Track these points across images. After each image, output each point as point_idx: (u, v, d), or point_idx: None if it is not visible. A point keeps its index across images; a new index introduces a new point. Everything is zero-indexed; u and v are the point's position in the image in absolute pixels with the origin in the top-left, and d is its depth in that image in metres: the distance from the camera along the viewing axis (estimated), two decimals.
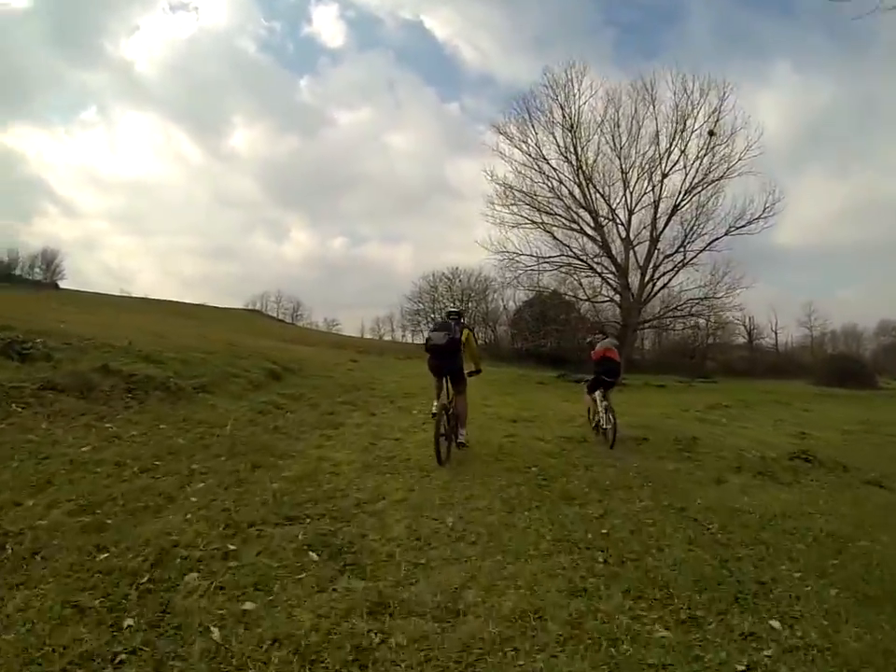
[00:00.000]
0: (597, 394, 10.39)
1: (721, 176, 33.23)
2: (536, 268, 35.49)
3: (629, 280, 35.25)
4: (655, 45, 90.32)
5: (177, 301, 62.71)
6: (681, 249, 34.45)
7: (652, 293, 36.19)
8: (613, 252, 35.22)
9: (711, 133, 32.74)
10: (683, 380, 40.57)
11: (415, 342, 70.37)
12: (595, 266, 35.51)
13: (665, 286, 36.16)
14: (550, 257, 35.59)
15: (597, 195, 35.12)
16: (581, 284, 37.16)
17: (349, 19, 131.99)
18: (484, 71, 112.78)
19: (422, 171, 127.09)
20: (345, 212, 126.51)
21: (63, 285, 66.90)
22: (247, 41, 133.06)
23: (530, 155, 34.99)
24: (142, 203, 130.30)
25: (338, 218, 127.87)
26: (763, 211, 33.02)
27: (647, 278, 35.17)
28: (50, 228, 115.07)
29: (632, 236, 35.36)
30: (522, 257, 35.03)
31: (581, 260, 35.50)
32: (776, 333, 72.84)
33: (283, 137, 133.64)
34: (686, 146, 33.61)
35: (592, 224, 35.05)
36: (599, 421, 10.10)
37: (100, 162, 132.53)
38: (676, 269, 35.15)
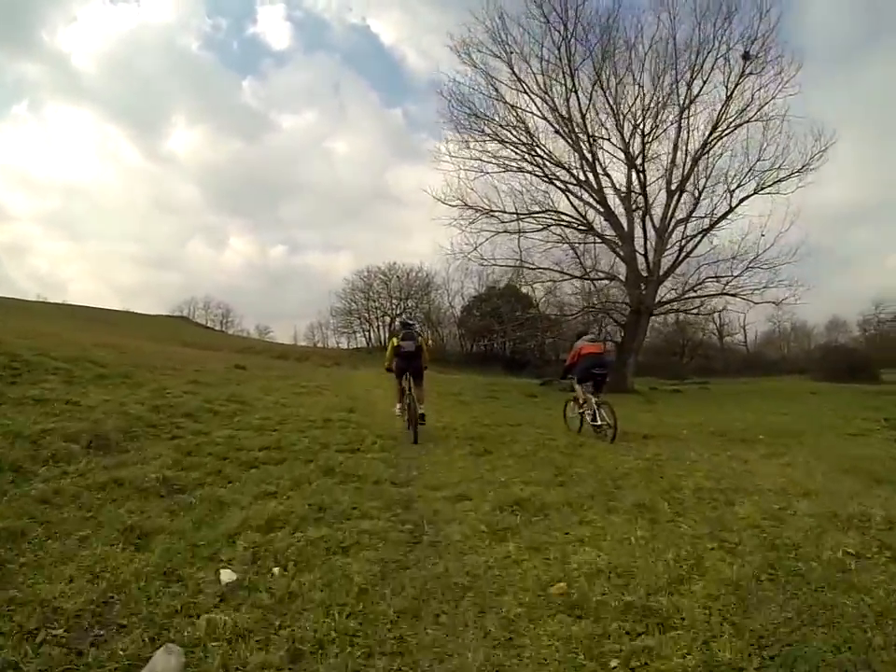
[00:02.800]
0: (589, 389, 10.29)
1: (751, 118, 24.61)
2: (514, 224, 25.94)
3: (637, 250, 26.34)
4: None
5: (95, 308, 58.57)
6: (700, 215, 25.92)
7: (678, 262, 26.31)
8: (613, 209, 26.29)
9: (746, 57, 23.69)
10: (674, 382, 34.55)
11: (352, 346, 64.30)
12: (590, 225, 26.22)
13: (687, 255, 26.24)
14: (535, 212, 26.15)
15: (587, 137, 25.95)
16: (578, 253, 26.92)
17: (296, 20, 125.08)
18: (432, 77, 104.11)
19: (364, 177, 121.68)
20: (286, 219, 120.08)
21: None
22: (191, 38, 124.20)
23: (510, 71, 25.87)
24: (77, 207, 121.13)
25: (278, 226, 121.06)
26: (806, 164, 23.91)
27: (666, 244, 25.99)
28: None
29: (637, 193, 26.39)
30: (495, 213, 26.01)
31: (578, 221, 26.25)
32: (744, 329, 66.74)
33: (224, 140, 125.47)
34: (710, 73, 24.72)
35: (581, 167, 26.20)
36: (593, 417, 10.04)
37: (31, 161, 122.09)
38: (703, 233, 25.85)
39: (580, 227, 25.88)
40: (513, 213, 25.60)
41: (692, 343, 57.13)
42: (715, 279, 25.55)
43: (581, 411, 10.60)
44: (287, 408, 11.31)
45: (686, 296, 26.47)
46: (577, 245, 26.19)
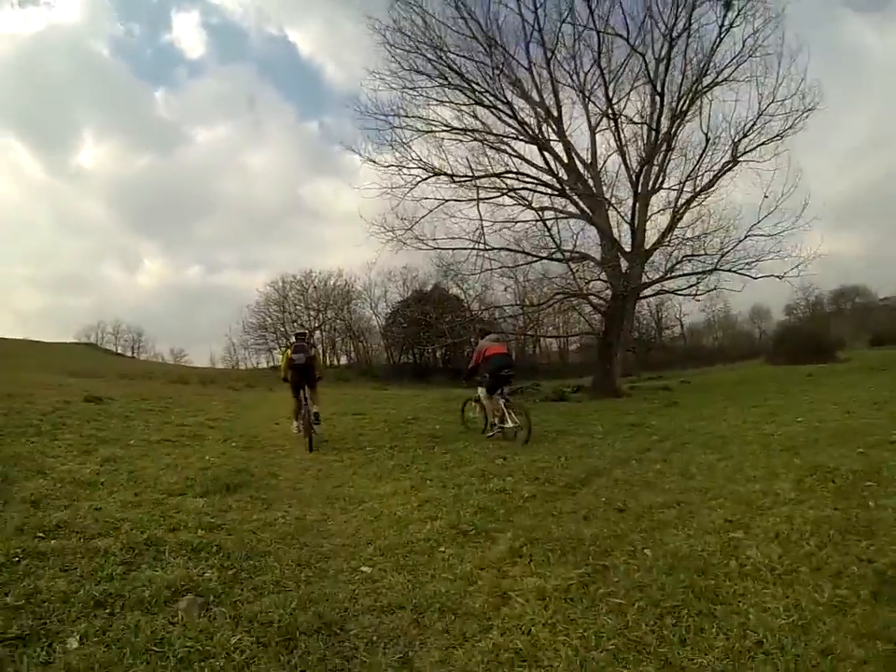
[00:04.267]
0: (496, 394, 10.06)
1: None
2: (465, 190, 21.07)
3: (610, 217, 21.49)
4: None
5: None
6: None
7: (672, 227, 21.36)
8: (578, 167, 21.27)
9: (728, 6, 19.36)
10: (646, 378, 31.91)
11: (270, 364, 58.42)
12: (562, 185, 20.98)
13: (680, 218, 21.40)
14: (497, 174, 21.10)
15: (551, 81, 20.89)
16: (547, 226, 21.37)
17: (212, 27, 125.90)
18: (350, 89, 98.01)
19: (280, 192, 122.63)
20: (201, 237, 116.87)
21: None
22: (102, 44, 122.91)
23: None
24: None
25: (194, 245, 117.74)
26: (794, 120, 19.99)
27: (647, 211, 21.37)
28: None
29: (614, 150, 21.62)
30: (443, 174, 20.89)
31: (543, 182, 21.27)
32: (681, 320, 64.75)
33: (136, 155, 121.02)
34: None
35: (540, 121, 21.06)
36: (501, 419, 9.91)
37: None
38: (700, 192, 21.28)
39: (550, 189, 21.26)
40: (465, 176, 20.75)
41: (647, 337, 53.42)
42: (703, 254, 21.01)
43: (493, 412, 10.25)
44: (94, 492, 5.99)
45: (673, 274, 21.59)
46: (546, 216, 21.32)
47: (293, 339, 12.01)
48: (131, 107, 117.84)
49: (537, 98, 20.70)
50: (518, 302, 25.93)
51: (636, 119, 21.18)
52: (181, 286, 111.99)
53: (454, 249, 21.37)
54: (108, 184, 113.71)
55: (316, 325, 59.00)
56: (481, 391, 10.42)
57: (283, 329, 58.57)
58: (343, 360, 60.80)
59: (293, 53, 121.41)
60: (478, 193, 20.52)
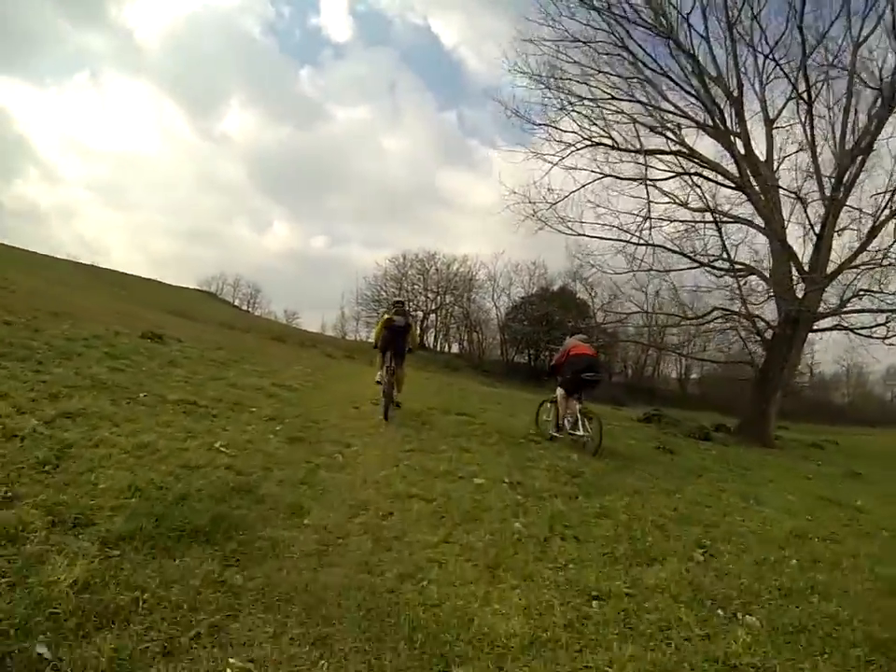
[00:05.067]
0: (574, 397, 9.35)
1: None
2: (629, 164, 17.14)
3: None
4: None
5: (119, 272, 55.56)
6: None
7: (864, 247, 15.78)
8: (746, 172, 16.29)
9: None
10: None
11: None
12: (743, 180, 16.07)
13: (875, 234, 15.67)
14: (665, 151, 16.89)
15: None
16: (719, 226, 17.01)
17: (358, 14, 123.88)
18: (490, 83, 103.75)
19: (413, 177, 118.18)
20: (331, 210, 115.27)
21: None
22: (253, 22, 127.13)
23: None
24: (125, 176, 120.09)
25: (322, 215, 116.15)
26: None
27: (834, 225, 15.97)
28: (29, 191, 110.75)
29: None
30: (603, 144, 16.94)
31: (721, 171, 16.67)
32: (811, 368, 56.58)
33: (277, 126, 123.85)
34: None
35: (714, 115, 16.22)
36: (573, 426, 9.05)
37: (87, 129, 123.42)
38: None
39: (727, 180, 16.58)
40: (631, 149, 16.63)
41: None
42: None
43: (566, 416, 9.22)
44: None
45: (852, 306, 16.08)
46: (716, 216, 16.75)
47: (391, 304, 11.63)
48: (276, 82, 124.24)
49: (712, 72, 16.12)
50: (644, 311, 20.22)
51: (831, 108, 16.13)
52: (305, 252, 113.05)
53: (603, 239, 17.31)
54: (250, 150, 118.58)
55: (433, 308, 56.42)
56: (559, 391, 9.51)
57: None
58: (455, 349, 57.78)
59: (435, 43, 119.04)
60: (646, 170, 16.41)
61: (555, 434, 9.39)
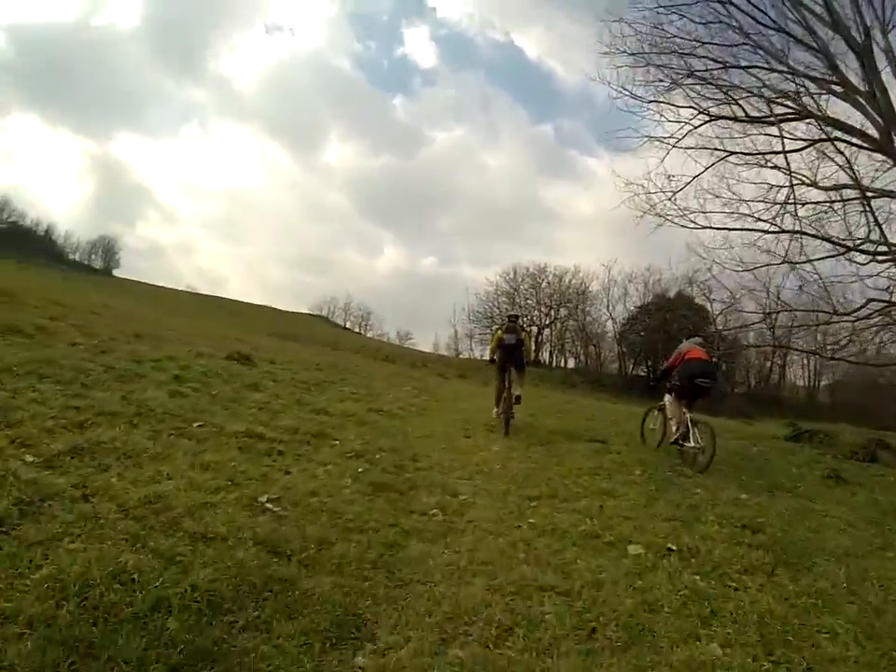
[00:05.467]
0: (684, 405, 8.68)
1: None
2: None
3: None
4: None
5: (234, 300, 63.99)
6: None
7: None
8: None
9: None
10: None
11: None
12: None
13: None
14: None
15: None
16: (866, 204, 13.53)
17: (440, 39, 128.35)
18: (582, 90, 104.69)
19: (515, 192, 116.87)
20: (438, 231, 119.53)
21: (119, 273, 69.49)
22: (342, 59, 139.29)
23: None
24: (236, 212, 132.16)
25: (430, 237, 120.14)
26: None
27: None
28: (151, 232, 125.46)
29: None
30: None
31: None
32: None
33: (377, 154, 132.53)
34: None
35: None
36: (684, 437, 8.25)
37: (199, 173, 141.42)
38: None
39: (867, 144, 13.66)
40: (762, 118, 13.94)
41: None
42: None
43: (675, 425, 8.49)
44: None
45: None
46: (864, 189, 13.71)
47: (505, 320, 11.57)
48: (372, 113, 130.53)
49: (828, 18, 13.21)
50: (788, 309, 16.87)
51: None
52: (415, 273, 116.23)
53: (732, 230, 14.80)
54: (351, 179, 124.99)
55: (547, 322, 54.11)
56: (667, 398, 8.96)
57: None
58: (571, 363, 55.37)
59: (521, 58, 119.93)
60: (782, 141, 13.77)
61: (662, 443, 8.93)
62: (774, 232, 13.87)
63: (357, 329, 72.49)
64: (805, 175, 14.10)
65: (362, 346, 38.72)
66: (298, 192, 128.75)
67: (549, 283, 53.97)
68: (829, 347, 17.45)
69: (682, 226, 14.42)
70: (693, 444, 8.02)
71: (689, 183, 14.10)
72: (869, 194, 13.73)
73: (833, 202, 14.03)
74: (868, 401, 39.46)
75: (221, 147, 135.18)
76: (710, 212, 14.44)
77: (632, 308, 49.90)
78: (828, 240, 14.11)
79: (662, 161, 14.36)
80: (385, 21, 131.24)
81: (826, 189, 14.02)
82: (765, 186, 13.81)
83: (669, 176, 14.30)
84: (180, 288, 65.37)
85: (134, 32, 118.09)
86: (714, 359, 9.68)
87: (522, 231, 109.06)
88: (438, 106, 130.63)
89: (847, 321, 15.52)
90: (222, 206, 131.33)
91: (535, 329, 53.40)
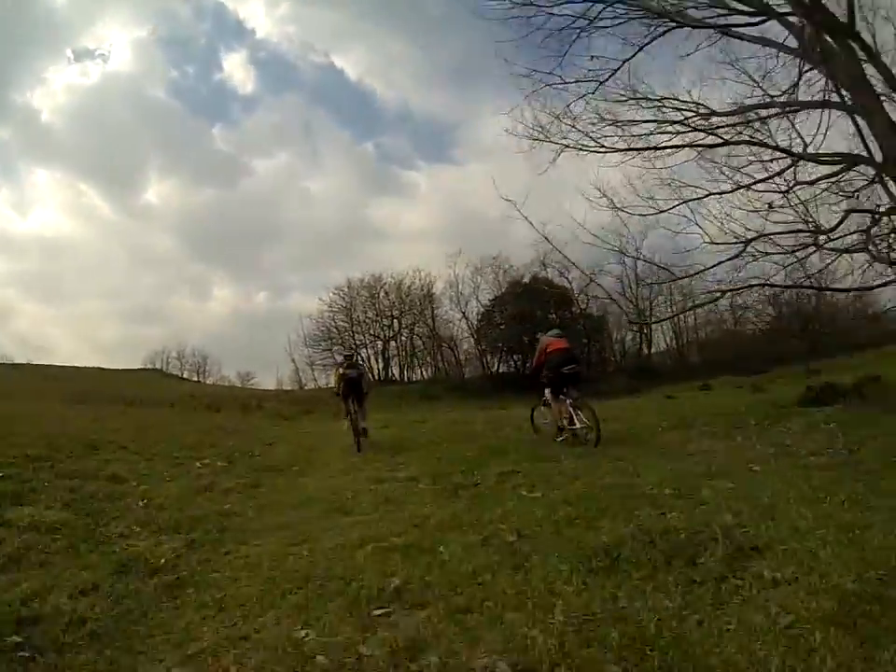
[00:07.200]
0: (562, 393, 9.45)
1: None
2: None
3: None
4: None
5: (56, 366, 57.52)
6: None
7: None
8: None
9: None
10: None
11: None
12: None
13: None
14: None
15: None
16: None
17: (260, 62, 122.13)
18: (401, 108, 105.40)
19: (342, 214, 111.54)
20: (268, 264, 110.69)
21: None
22: (157, 88, 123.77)
23: None
24: (55, 267, 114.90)
25: (261, 271, 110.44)
26: None
27: None
28: None
29: None
30: None
31: None
32: None
33: (200, 188, 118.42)
34: None
35: None
36: (570, 421, 9.05)
37: (5, 224, 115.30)
38: None
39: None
40: None
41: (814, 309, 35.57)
42: None
43: (561, 418, 9.27)
44: None
45: None
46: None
47: (342, 359, 14.16)
48: (191, 144, 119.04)
49: None
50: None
51: None
52: (250, 311, 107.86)
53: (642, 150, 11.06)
54: (177, 218, 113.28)
55: (391, 334, 50.51)
56: (547, 392, 9.68)
57: (351, 342, 49.90)
58: (424, 373, 51.94)
59: (341, 78, 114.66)
60: None
61: (561, 438, 9.21)
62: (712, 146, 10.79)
63: (195, 378, 67.64)
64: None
65: (189, 395, 32.63)
66: (120, 237, 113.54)
67: (386, 292, 50.66)
68: (810, 278, 13.53)
69: (582, 149, 11.38)
70: (580, 425, 8.80)
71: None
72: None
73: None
74: (735, 354, 40.45)
75: (29, 192, 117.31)
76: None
77: (486, 302, 46.67)
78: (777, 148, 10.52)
79: None
80: (203, 45, 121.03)
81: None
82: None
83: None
84: None
85: None
86: (572, 345, 10.40)
87: (353, 252, 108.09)
88: (259, 133, 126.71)
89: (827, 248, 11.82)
90: (36, 261, 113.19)
91: (379, 344, 50.74)
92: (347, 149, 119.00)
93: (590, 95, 11.06)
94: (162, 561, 4.21)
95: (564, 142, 11.29)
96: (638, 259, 12.62)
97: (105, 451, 9.66)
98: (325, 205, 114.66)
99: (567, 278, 40.53)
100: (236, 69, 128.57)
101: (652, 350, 49.24)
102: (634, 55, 10.76)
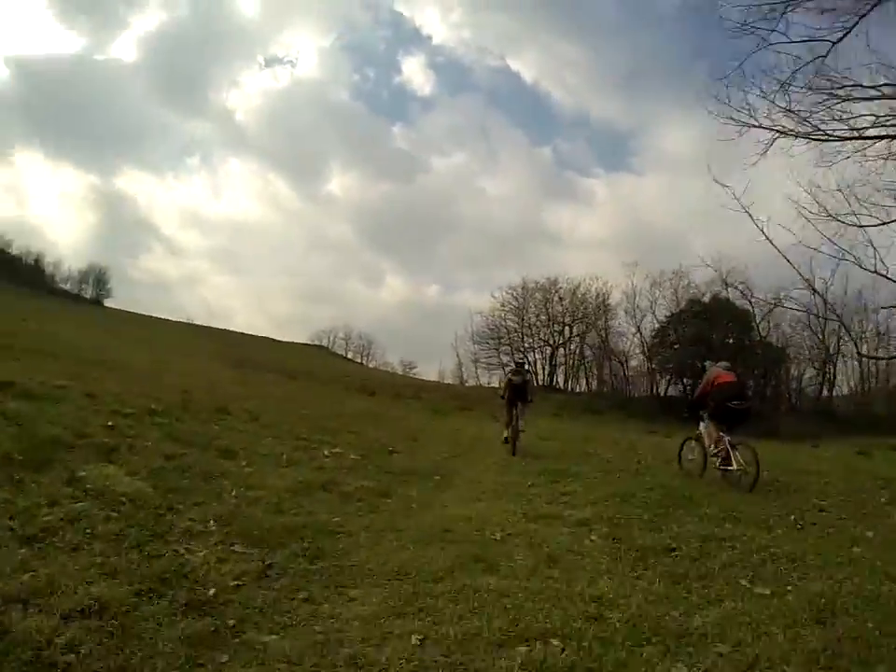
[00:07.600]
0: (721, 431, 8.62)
1: None
2: None
3: None
4: None
5: (229, 331, 64.84)
6: None
7: None
8: None
9: None
10: None
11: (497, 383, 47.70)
12: None
13: None
14: None
15: None
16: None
17: (437, 66, 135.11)
18: (577, 113, 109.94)
19: (517, 216, 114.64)
20: (441, 258, 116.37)
21: (112, 304, 69.59)
22: (341, 90, 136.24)
23: None
24: (240, 245, 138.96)
25: (433, 265, 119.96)
26: None
27: None
28: (155, 265, 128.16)
29: None
30: None
31: None
32: None
33: (378, 183, 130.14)
34: None
35: None
36: (725, 461, 8.21)
37: (203, 206, 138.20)
38: None
39: None
40: None
41: None
42: None
43: (714, 451, 8.45)
44: None
45: None
46: None
47: (513, 365, 15.15)
48: (371, 141, 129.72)
49: None
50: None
51: None
52: (420, 302, 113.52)
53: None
54: (355, 209, 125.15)
55: (561, 341, 48.49)
56: (702, 425, 8.87)
57: (520, 345, 48.84)
58: (593, 385, 48.84)
59: (517, 82, 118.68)
60: None
61: (700, 472, 8.70)
62: None
63: (358, 360, 70.67)
64: None
65: (346, 375, 33.38)
66: (301, 223, 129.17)
67: (560, 297, 48.22)
68: None
69: (800, 136, 9.71)
70: (735, 466, 8.04)
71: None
72: None
73: None
74: None
75: (224, 179, 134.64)
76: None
77: (662, 318, 43.12)
78: None
79: None
80: (383, 51, 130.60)
81: None
82: None
83: None
84: (175, 319, 65.10)
85: (136, 66, 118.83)
86: (743, 381, 9.98)
87: (524, 254, 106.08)
88: (437, 133, 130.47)
89: None
90: (226, 239, 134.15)
91: (549, 349, 48.77)
92: (524, 152, 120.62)
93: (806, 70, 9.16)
94: (210, 592, 3.16)
95: (777, 127, 9.66)
96: (876, 273, 10.31)
97: (235, 419, 9.50)
98: (500, 206, 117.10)
99: (749, 300, 37.12)
100: (414, 73, 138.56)
101: (834, 393, 43.50)
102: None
